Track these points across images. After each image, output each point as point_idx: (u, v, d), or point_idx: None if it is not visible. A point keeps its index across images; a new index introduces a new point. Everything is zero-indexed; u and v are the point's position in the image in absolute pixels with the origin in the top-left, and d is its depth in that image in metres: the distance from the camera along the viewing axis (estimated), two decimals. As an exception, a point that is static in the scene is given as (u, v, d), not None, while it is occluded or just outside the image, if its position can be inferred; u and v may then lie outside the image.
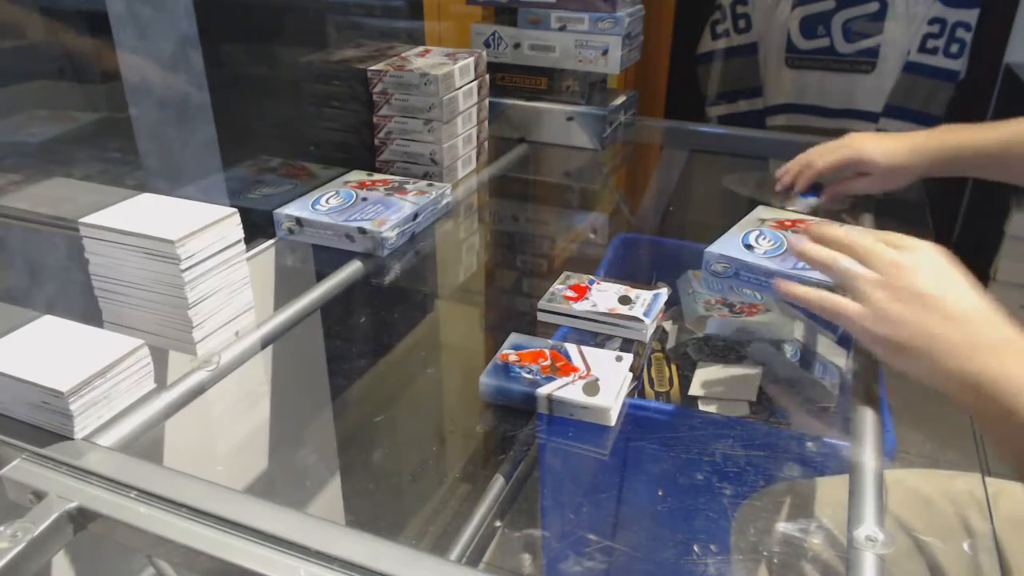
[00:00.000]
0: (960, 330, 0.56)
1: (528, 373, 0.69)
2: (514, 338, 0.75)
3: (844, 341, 1.01)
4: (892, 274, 0.60)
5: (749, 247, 0.79)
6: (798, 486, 0.74)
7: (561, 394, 0.66)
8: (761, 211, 0.88)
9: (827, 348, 1.07)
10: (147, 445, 0.59)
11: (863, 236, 0.64)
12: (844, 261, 0.63)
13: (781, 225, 0.84)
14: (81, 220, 0.66)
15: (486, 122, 1.11)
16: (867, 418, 0.61)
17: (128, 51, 0.83)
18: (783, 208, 0.92)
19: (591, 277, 0.84)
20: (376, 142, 1.02)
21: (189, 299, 0.64)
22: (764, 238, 0.81)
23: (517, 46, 1.18)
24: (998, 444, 0.53)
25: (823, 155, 0.99)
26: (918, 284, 0.58)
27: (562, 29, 1.15)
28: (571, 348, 0.72)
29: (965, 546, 0.72)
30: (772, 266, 0.75)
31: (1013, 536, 0.69)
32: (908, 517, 0.74)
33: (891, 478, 0.76)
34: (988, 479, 0.72)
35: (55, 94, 0.87)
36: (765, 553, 0.65)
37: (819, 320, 1.06)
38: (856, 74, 2.11)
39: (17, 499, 0.53)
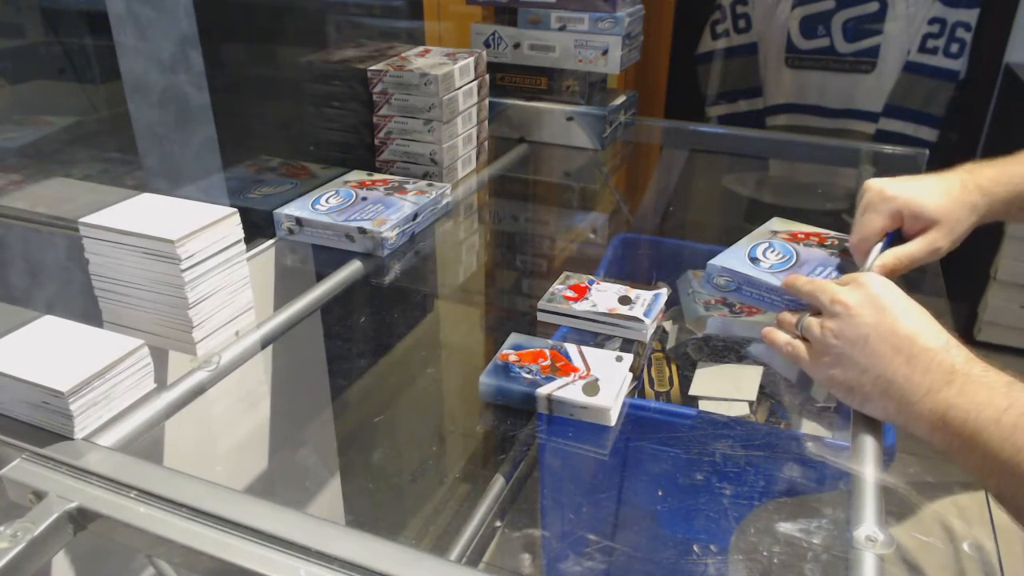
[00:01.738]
0: (914, 367, 0.55)
1: (528, 373, 0.69)
2: (514, 338, 0.75)
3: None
4: (836, 312, 0.60)
5: (755, 260, 0.77)
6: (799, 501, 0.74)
7: (561, 394, 0.66)
8: (775, 223, 0.86)
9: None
10: (147, 445, 0.59)
11: (811, 281, 0.66)
12: (790, 316, 0.67)
13: (794, 237, 0.82)
14: (81, 220, 0.66)
15: (486, 122, 1.11)
16: (867, 418, 0.61)
17: (128, 51, 0.83)
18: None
19: (591, 277, 0.84)
20: (376, 142, 1.02)
21: (189, 299, 0.64)
22: (773, 251, 0.79)
23: (517, 46, 1.18)
24: (981, 479, 0.53)
25: (869, 222, 0.73)
26: (863, 321, 0.58)
27: (562, 29, 1.15)
28: (571, 348, 0.72)
29: (966, 546, 0.71)
30: (775, 282, 0.73)
31: (1002, 543, 0.69)
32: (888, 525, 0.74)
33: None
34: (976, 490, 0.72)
35: (54, 94, 0.87)
36: (766, 554, 0.65)
37: None
38: (856, 74, 2.12)
39: (17, 499, 0.53)
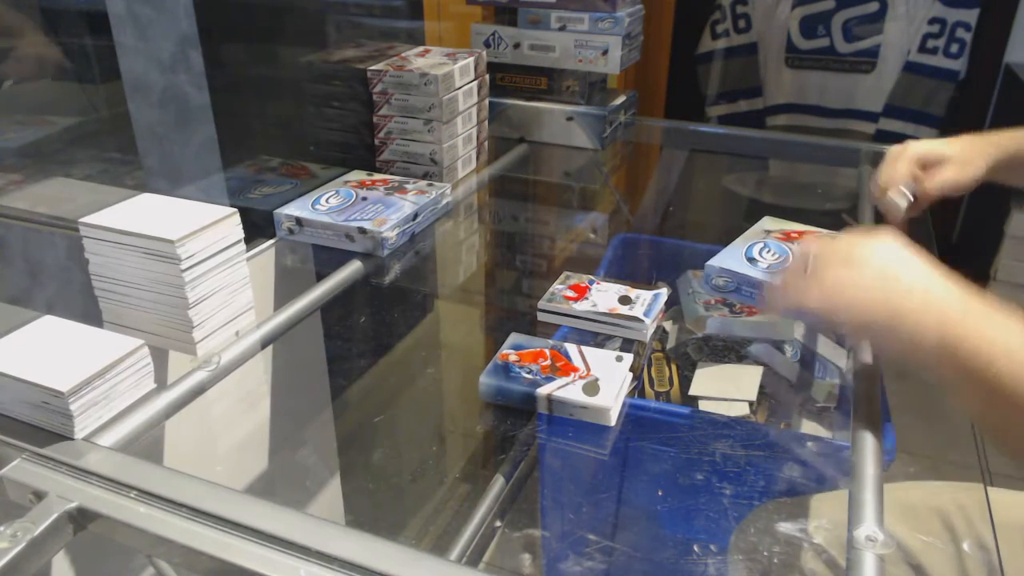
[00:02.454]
0: (925, 302, 0.54)
1: (528, 373, 0.69)
2: (514, 338, 0.75)
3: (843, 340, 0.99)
4: (850, 250, 0.59)
5: (752, 260, 0.77)
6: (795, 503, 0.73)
7: (561, 394, 0.66)
8: (766, 222, 0.85)
9: (827, 348, 1.07)
10: (147, 445, 0.59)
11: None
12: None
13: (787, 236, 0.82)
14: (81, 220, 0.66)
15: (486, 122, 1.11)
16: (867, 418, 0.61)
17: (128, 51, 0.83)
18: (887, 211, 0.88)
19: (591, 277, 0.84)
20: (376, 142, 1.02)
21: (189, 299, 0.64)
22: (768, 251, 0.79)
23: (517, 46, 1.18)
24: (984, 413, 0.52)
25: (896, 167, 0.88)
26: (876, 259, 0.57)
27: (562, 29, 1.15)
28: (571, 348, 0.72)
29: (966, 546, 0.71)
30: (775, 281, 0.73)
31: (1002, 542, 0.69)
32: (891, 525, 0.74)
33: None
34: (976, 486, 0.71)
35: (55, 94, 0.87)
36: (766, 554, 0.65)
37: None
38: (856, 74, 2.12)
39: (17, 499, 0.53)
